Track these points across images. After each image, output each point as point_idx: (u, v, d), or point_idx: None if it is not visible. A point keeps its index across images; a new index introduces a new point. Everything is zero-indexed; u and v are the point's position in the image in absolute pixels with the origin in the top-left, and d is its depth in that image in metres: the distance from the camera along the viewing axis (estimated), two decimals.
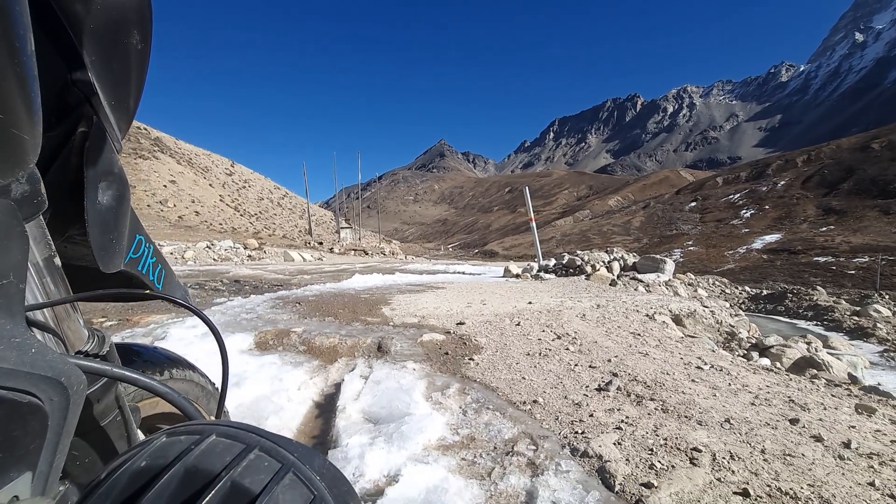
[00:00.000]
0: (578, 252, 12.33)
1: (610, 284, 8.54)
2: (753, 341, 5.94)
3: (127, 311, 4.67)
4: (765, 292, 20.97)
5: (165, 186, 43.18)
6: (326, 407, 2.64)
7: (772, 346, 5.61)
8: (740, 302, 19.05)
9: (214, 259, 17.47)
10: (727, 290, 20.58)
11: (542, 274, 10.16)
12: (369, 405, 2.49)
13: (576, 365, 2.97)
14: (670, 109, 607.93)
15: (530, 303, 5.10)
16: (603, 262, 10.33)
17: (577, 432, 2.00)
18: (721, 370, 2.82)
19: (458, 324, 4.22)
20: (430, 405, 2.46)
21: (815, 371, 4.56)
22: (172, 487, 0.35)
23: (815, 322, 14.86)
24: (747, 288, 23.16)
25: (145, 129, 57.85)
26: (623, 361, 2.99)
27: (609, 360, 3.02)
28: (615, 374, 2.72)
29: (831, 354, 6.34)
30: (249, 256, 19.80)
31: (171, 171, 47.12)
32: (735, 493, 1.48)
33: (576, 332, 3.79)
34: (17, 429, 0.36)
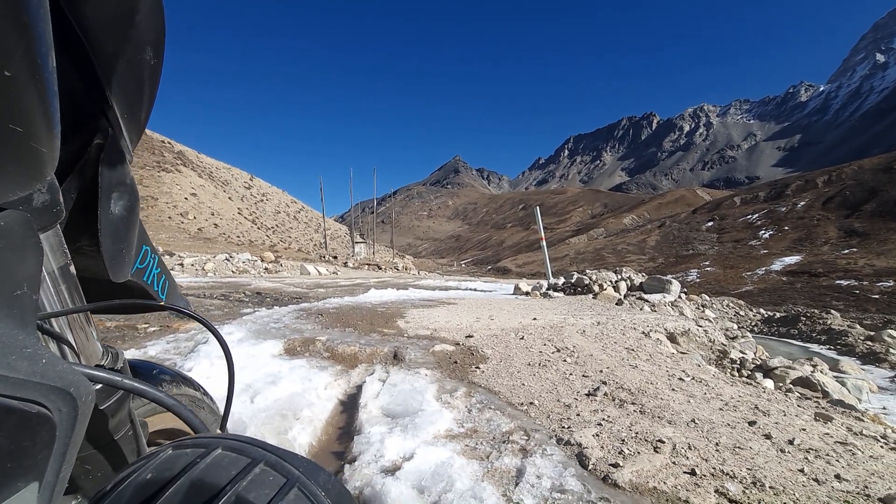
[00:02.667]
0: (587, 271, 12.61)
1: (616, 304, 8.82)
2: (758, 363, 6.16)
3: (166, 317, 5.15)
4: (778, 315, 20.81)
5: (186, 199, 44.56)
6: (350, 404, 3.03)
7: (776, 368, 5.83)
8: (753, 324, 18.97)
9: (233, 271, 18.12)
10: (741, 312, 20.48)
11: (550, 292, 10.47)
12: (387, 403, 2.88)
13: (570, 374, 3.32)
14: (687, 128, 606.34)
15: (535, 319, 5.46)
16: (611, 281, 10.60)
17: (563, 427, 2.35)
18: (700, 382, 3.15)
19: (467, 336, 4.59)
20: (439, 404, 2.84)
21: (807, 391, 4.80)
22: (177, 500, 0.36)
23: (828, 346, 14.78)
24: (762, 310, 22.98)
25: (169, 142, 59.92)
26: (613, 372, 3.33)
27: (601, 371, 3.37)
28: (604, 383, 3.06)
29: (838, 378, 6.51)
30: (266, 269, 20.42)
31: (193, 184, 48.64)
32: (685, 472, 1.83)
33: (574, 346, 4.13)
34: (25, 439, 0.36)
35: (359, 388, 3.26)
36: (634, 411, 2.53)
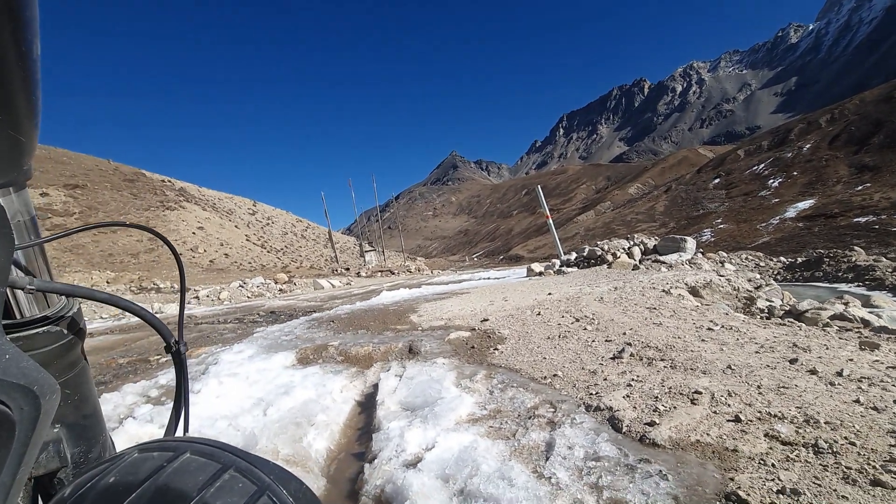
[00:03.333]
0: (598, 243, 12.39)
1: (632, 269, 8.60)
2: (787, 308, 5.92)
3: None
4: (800, 260, 20.32)
5: (194, 233, 44.98)
6: (367, 404, 2.91)
7: (806, 311, 5.58)
8: (775, 273, 18.53)
9: (248, 296, 18.17)
10: (761, 263, 20.04)
11: (564, 268, 10.28)
12: (405, 397, 2.75)
13: (593, 341, 3.17)
14: (679, 89, 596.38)
15: (550, 294, 5.29)
16: (623, 248, 10.38)
17: (591, 394, 2.20)
18: (731, 329, 2.97)
19: (482, 321, 4.45)
20: (459, 390, 2.70)
21: (846, 323, 4.57)
22: None
23: (856, 283, 14.34)
24: (782, 258, 22.48)
25: (169, 181, 60.57)
26: (637, 332, 3.17)
27: (624, 333, 3.21)
28: (629, 344, 2.90)
29: (872, 313, 6.23)
30: (280, 290, 20.46)
31: (198, 218, 49.09)
32: (728, 420, 1.67)
33: (594, 314, 3.97)
34: None
35: (375, 386, 3.14)
36: (664, 367, 2.37)
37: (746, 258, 20.22)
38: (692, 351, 2.55)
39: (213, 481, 0.37)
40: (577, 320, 3.87)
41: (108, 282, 27.80)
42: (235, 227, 53.19)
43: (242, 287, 19.92)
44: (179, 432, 0.77)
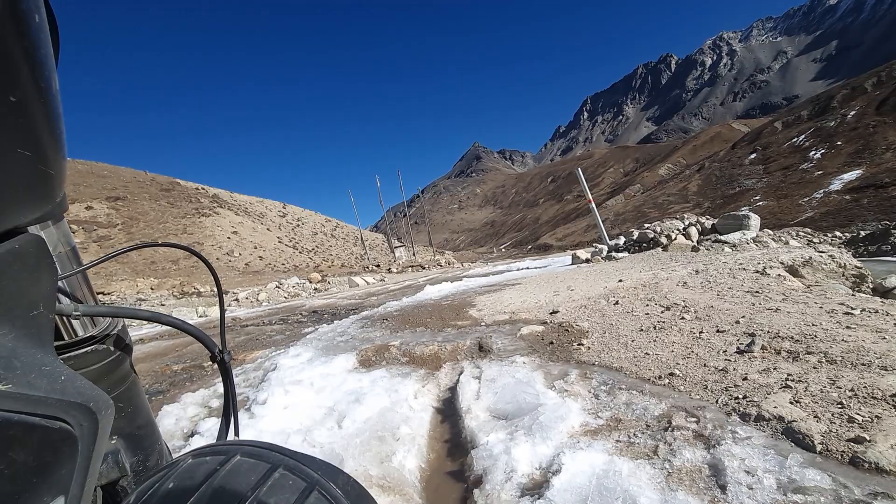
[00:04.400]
0: (647, 225, 11.76)
1: (691, 251, 8.03)
2: (871, 286, 5.29)
3: (233, 349, 4.93)
4: (862, 234, 18.95)
5: (229, 238, 46.10)
6: (448, 411, 2.60)
7: (894, 288, 4.96)
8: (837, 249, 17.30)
9: (285, 297, 18.31)
10: (815, 240, 18.79)
11: (614, 254, 9.74)
12: (493, 403, 2.42)
13: (700, 332, 2.75)
14: (709, 62, 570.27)
15: (620, 281, 4.86)
16: (678, 229, 9.75)
17: (737, 398, 1.81)
18: (876, 312, 2.50)
19: (551, 313, 4.08)
20: (556, 394, 2.35)
21: None
22: None
23: None
24: (837, 233, 21.07)
25: (203, 188, 62.32)
26: (754, 320, 2.73)
27: (737, 322, 2.77)
28: (752, 335, 2.47)
29: None
30: (315, 289, 20.57)
31: (232, 223, 50.32)
32: None
33: (685, 301, 3.54)
34: (49, 455, 0.36)
35: (452, 390, 2.83)
36: (820, 362, 1.95)
37: (798, 235, 19.00)
38: (844, 341, 2.11)
39: (264, 480, 0.38)
40: (667, 308, 3.44)
41: (151, 288, 28.75)
42: (267, 229, 54.29)
43: (279, 288, 20.13)
44: (231, 436, 0.78)
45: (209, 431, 2.38)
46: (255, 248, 45.82)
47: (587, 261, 10.52)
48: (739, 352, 2.29)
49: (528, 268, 13.82)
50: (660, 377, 2.25)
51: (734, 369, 2.09)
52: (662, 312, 3.43)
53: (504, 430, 2.07)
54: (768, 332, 2.45)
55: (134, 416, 0.66)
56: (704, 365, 2.24)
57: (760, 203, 57.27)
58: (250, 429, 2.28)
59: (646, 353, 2.65)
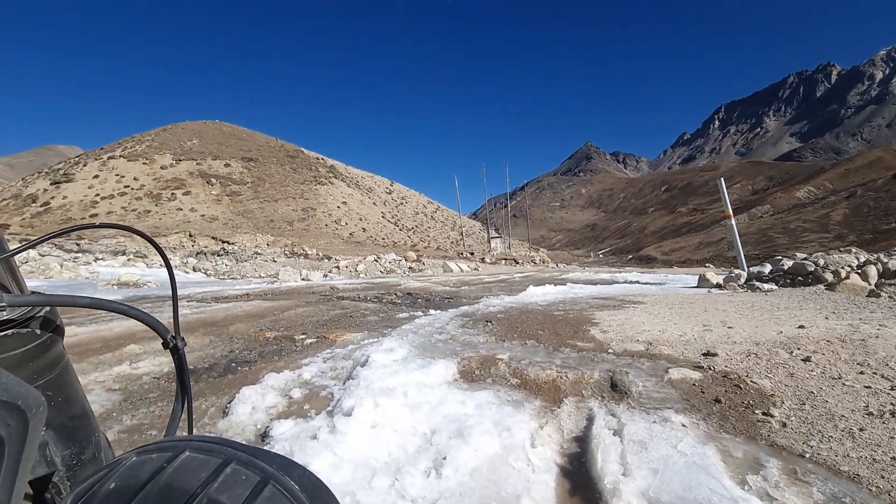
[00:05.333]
0: (798, 254, 9.78)
1: (868, 296, 6.29)
2: None
3: (323, 325, 4.71)
4: None
5: (338, 207, 49.10)
6: (577, 476, 1.91)
7: None
8: None
9: (381, 271, 18.73)
10: None
11: (756, 283, 8.13)
12: (653, 489, 1.69)
13: None
14: (879, 76, 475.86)
15: (802, 327, 3.71)
16: (850, 266, 7.83)
17: None
18: None
19: (704, 354, 3.17)
20: (755, 498, 1.56)
21: None
22: None
23: None
24: None
25: (322, 158, 67.10)
26: None
27: None
28: None
29: None
30: (410, 268, 20.82)
31: (343, 194, 53.52)
32: None
33: None
34: None
35: (580, 443, 2.14)
36: None
37: None
38: None
39: (215, 476, 0.36)
40: None
41: (268, 244, 31.51)
42: (374, 204, 56.95)
43: (377, 262, 20.69)
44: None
45: (282, 438, 1.97)
46: (360, 219, 48.29)
47: (719, 286, 8.97)
48: None
49: (638, 281, 12.39)
50: None
51: None
52: (893, 390, 2.38)
53: None
54: None
55: (65, 406, 0.60)
56: None
57: None
58: (327, 451, 1.81)
59: (894, 458, 1.72)
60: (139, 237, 0.74)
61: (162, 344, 0.67)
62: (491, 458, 1.91)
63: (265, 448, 0.42)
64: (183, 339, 0.69)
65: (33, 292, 0.59)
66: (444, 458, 1.85)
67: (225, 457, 0.39)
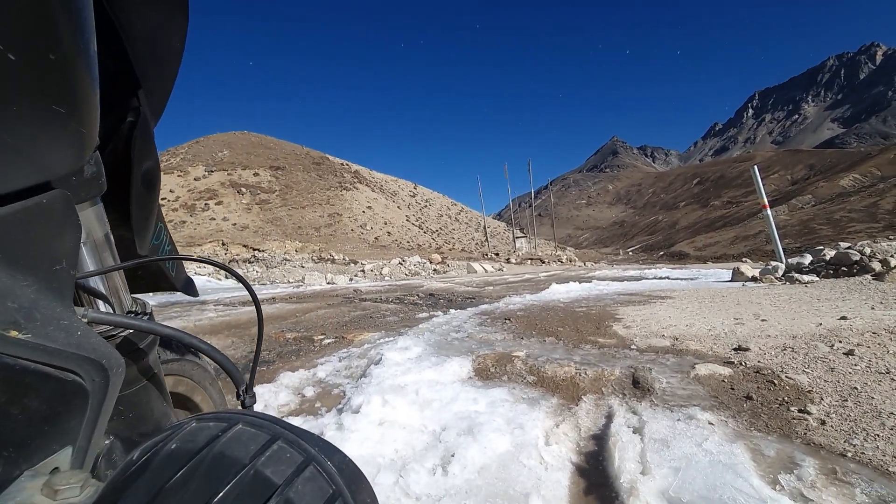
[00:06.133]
0: (841, 244, 9.25)
1: None
2: None
3: (343, 326, 4.72)
4: None
5: (364, 212, 49.70)
6: (592, 475, 1.81)
7: None
8: None
9: (406, 274, 18.81)
10: None
11: (796, 275, 7.72)
12: (674, 488, 1.57)
13: None
14: None
15: (844, 318, 3.46)
16: None
17: None
18: None
19: (735, 349, 2.99)
20: (791, 502, 1.43)
21: None
22: (200, 472, 0.36)
23: None
24: None
25: (347, 164, 68.07)
26: None
27: None
28: None
29: None
30: (435, 270, 20.85)
31: (368, 198, 54.15)
32: None
33: None
34: (60, 405, 0.38)
35: (598, 441, 2.03)
36: None
37: None
38: None
39: (263, 451, 0.38)
40: None
41: (296, 250, 32.16)
42: (398, 207, 57.40)
43: (401, 264, 20.82)
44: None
45: None
46: (385, 223, 48.73)
47: (754, 279, 8.57)
48: None
49: (668, 277, 11.98)
50: None
51: None
52: None
53: None
54: None
55: (135, 423, 0.63)
56: None
57: None
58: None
59: None
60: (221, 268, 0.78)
61: (235, 393, 0.71)
62: (501, 455, 1.83)
63: (310, 431, 0.44)
64: (253, 396, 0.72)
65: (131, 312, 0.65)
66: (452, 456, 1.78)
67: (273, 433, 0.41)
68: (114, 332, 0.60)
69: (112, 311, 0.63)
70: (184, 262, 1.01)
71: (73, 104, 0.37)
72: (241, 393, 0.68)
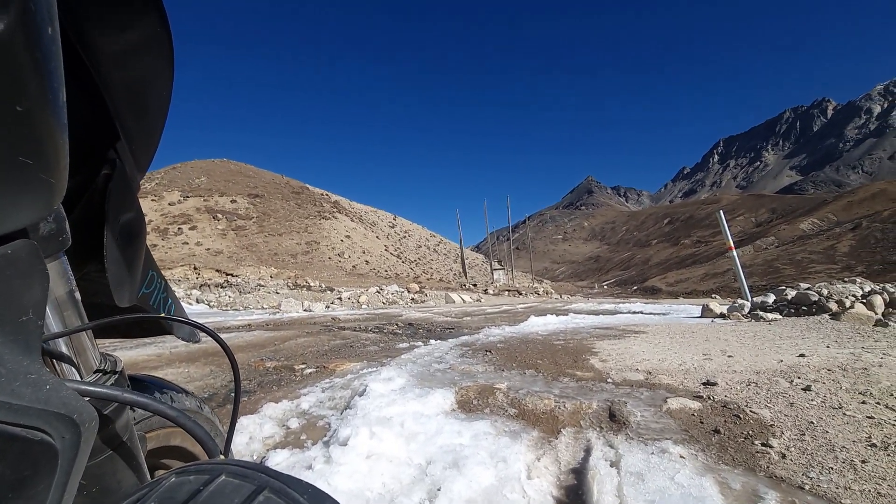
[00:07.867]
0: (801, 284, 9.76)
1: (875, 325, 6.23)
2: None
3: (322, 356, 4.70)
4: None
5: (342, 241, 49.45)
6: None
7: None
8: None
9: (383, 303, 18.67)
10: None
11: (760, 313, 8.08)
12: None
13: None
14: (877, 110, 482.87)
15: (802, 356, 3.68)
16: (854, 296, 7.79)
17: None
18: None
19: (705, 384, 3.14)
20: None
21: None
22: None
23: None
24: None
25: (326, 194, 68.08)
26: None
27: None
28: None
29: None
30: (413, 299, 20.76)
31: (347, 228, 54.02)
32: None
33: None
34: (27, 468, 0.35)
35: (577, 475, 2.11)
36: None
37: None
38: None
39: (249, 502, 0.37)
40: None
41: (271, 276, 31.56)
42: (377, 237, 57.38)
43: (379, 293, 20.67)
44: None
45: (279, 467, 1.97)
46: (364, 252, 48.52)
47: (722, 315, 8.92)
48: None
49: (641, 312, 12.29)
50: None
51: None
52: None
53: None
54: None
55: (98, 497, 0.59)
56: None
57: None
58: (322, 481, 1.81)
59: None
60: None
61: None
62: (486, 489, 1.89)
63: (298, 478, 0.43)
64: (231, 456, 0.70)
65: (99, 371, 0.62)
66: (439, 490, 1.83)
67: (259, 483, 0.39)
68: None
69: (77, 377, 0.59)
70: (182, 306, 0.99)
71: (39, 154, 0.36)
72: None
